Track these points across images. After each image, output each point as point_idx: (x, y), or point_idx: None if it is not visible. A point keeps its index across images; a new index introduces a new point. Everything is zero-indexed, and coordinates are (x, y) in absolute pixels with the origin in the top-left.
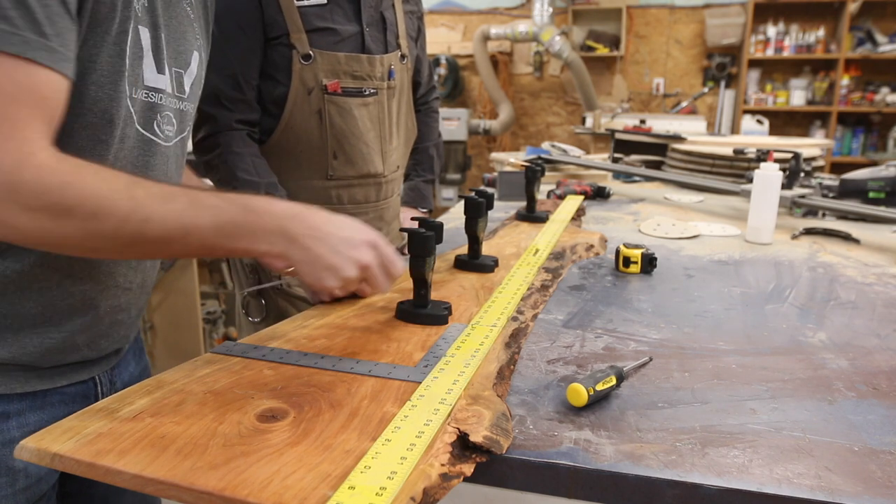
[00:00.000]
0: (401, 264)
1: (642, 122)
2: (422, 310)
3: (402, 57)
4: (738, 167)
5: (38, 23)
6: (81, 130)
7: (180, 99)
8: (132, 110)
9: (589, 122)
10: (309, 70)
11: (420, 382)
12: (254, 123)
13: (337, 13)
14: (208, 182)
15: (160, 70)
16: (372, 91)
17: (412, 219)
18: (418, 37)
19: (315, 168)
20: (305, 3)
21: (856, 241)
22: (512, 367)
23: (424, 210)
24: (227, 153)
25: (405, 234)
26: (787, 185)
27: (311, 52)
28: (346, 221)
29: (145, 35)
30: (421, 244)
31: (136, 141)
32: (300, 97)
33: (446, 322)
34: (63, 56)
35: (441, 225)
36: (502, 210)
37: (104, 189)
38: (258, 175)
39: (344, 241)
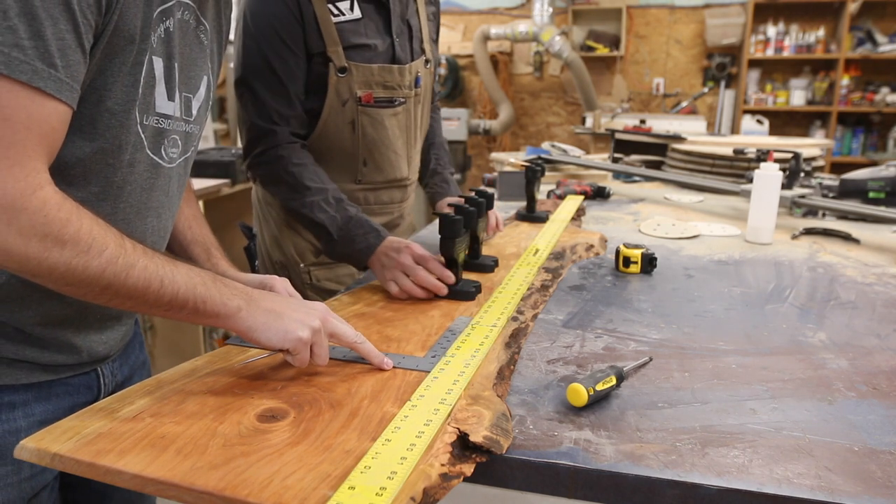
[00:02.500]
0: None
1: (642, 122)
2: (453, 286)
3: (427, 62)
4: (738, 167)
5: (51, 54)
6: (92, 155)
7: (187, 122)
8: (143, 136)
9: (589, 122)
10: (344, 82)
11: (429, 372)
12: (305, 136)
13: (370, 27)
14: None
15: (170, 97)
16: (401, 101)
17: (449, 204)
18: (437, 38)
19: (345, 173)
20: (342, 18)
21: (856, 241)
22: (512, 367)
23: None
24: (290, 165)
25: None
26: (787, 185)
27: (346, 65)
28: (302, 303)
29: (159, 65)
30: (450, 226)
31: (145, 165)
32: (335, 108)
33: (474, 299)
34: (69, 87)
35: (482, 202)
36: (502, 210)
37: (99, 232)
38: (323, 182)
39: (298, 307)
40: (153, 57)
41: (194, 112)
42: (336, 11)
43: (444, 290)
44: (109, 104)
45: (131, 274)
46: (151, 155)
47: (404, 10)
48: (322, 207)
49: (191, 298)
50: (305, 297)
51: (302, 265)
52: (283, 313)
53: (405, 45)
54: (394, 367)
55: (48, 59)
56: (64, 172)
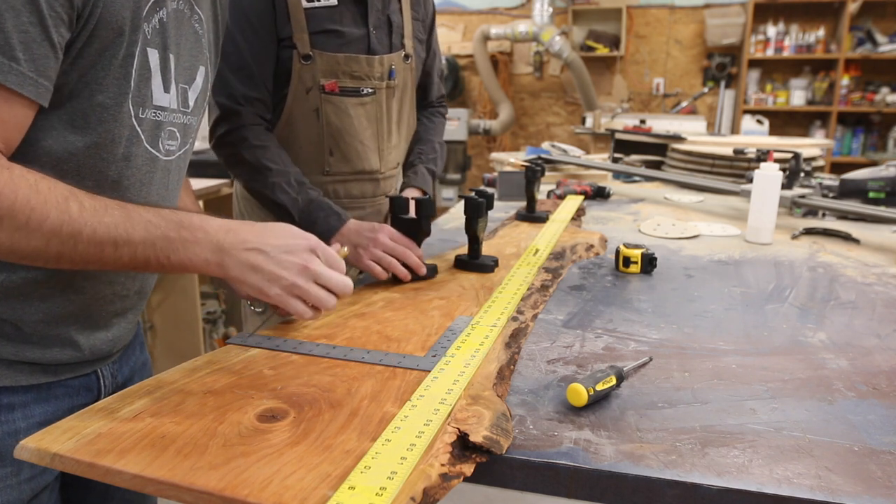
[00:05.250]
0: (342, 278)
1: (642, 122)
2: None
3: (406, 57)
4: (738, 167)
5: (11, 47)
6: (85, 149)
7: (184, 113)
8: (139, 130)
9: (589, 122)
10: (308, 70)
11: (429, 371)
12: (269, 119)
13: (346, 16)
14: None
15: (167, 89)
16: (370, 91)
17: (412, 198)
18: (429, 38)
19: (312, 163)
20: (315, 4)
21: (856, 241)
22: (512, 367)
23: (423, 191)
24: (252, 146)
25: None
26: (787, 185)
27: (310, 53)
28: (283, 228)
29: (154, 57)
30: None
31: (142, 159)
32: (299, 95)
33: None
34: (33, 81)
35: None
36: (502, 210)
37: (37, 201)
38: (285, 165)
39: (280, 248)
40: (147, 49)
41: (191, 104)
42: None
43: (424, 270)
44: (101, 98)
45: (80, 240)
46: (150, 148)
47: (386, 4)
48: (283, 189)
49: (152, 256)
50: None
51: None
52: (259, 266)
53: (383, 37)
54: (394, 367)
55: (8, 52)
56: (57, 167)
